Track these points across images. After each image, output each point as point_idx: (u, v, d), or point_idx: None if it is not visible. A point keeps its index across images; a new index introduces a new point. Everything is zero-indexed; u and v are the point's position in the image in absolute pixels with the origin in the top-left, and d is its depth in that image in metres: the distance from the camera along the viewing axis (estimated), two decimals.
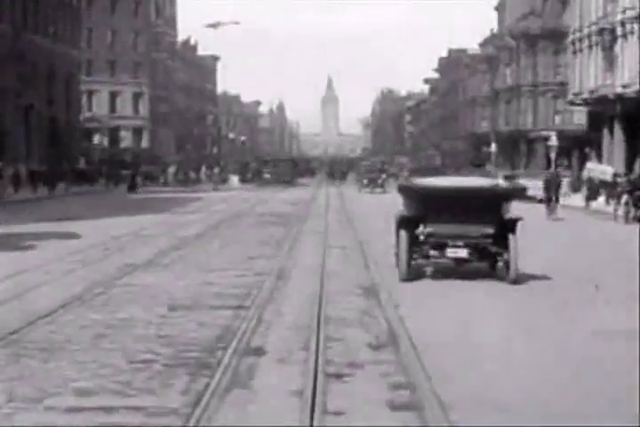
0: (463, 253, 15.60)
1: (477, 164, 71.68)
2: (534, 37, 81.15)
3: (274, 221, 29.63)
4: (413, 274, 15.57)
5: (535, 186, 46.20)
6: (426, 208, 15.80)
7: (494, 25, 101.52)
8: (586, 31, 61.65)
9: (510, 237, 15.33)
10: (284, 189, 60.42)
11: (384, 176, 60.47)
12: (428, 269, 16.29)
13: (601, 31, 58.05)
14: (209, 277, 15.56)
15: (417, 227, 15.76)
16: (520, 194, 20.36)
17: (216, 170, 67.92)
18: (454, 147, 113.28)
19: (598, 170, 46.24)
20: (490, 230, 15.55)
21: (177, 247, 20.62)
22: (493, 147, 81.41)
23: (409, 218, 15.95)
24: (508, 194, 16.58)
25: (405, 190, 17.03)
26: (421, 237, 15.73)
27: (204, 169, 75.40)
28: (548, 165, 71.38)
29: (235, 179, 72.72)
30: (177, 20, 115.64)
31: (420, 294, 13.89)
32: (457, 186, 16.38)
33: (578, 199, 43.53)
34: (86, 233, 24.06)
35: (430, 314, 12.08)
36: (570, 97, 65.30)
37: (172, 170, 69.38)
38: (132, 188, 56.00)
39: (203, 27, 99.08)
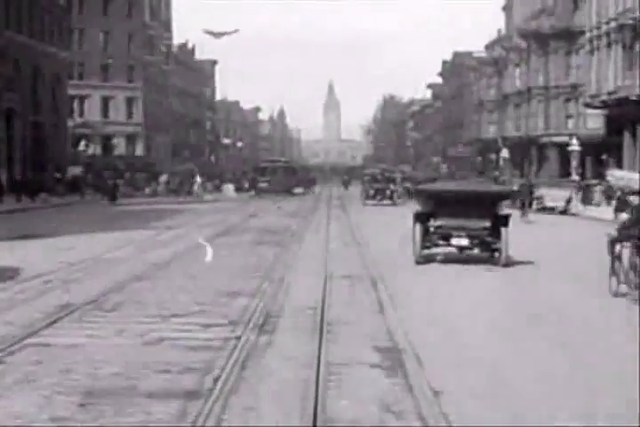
0: (465, 241, 19.13)
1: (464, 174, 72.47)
2: (545, 37, 76.96)
3: (266, 239, 25.29)
4: (426, 259, 19.23)
5: (559, 197, 42.01)
6: (435, 206, 19.56)
7: (497, 29, 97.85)
8: (604, 28, 57.58)
9: (502, 229, 18.92)
10: (282, 200, 55.94)
11: (393, 187, 52.94)
12: (438, 257, 19.82)
13: (621, 28, 54.04)
14: (164, 328, 11.28)
15: (428, 221, 19.39)
16: (511, 196, 25.71)
17: (198, 178, 59.54)
18: (460, 153, 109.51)
19: (627, 178, 41.92)
20: (486, 224, 19.10)
21: (139, 278, 16.32)
22: (505, 153, 76.96)
23: (422, 214, 19.63)
24: (501, 195, 21.03)
25: (419, 192, 21.41)
26: (432, 229, 19.35)
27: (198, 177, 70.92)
28: (563, 172, 67.22)
29: (230, 188, 68.08)
30: (172, 23, 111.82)
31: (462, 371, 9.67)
32: (460, 189, 20.43)
33: (605, 211, 39.32)
34: (38, 257, 19.80)
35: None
36: (587, 99, 61.04)
37: (163, 178, 64.65)
38: (114, 198, 51.38)
39: (201, 32, 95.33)
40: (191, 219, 35.48)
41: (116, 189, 53.53)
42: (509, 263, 18.70)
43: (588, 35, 60.89)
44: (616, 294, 14.37)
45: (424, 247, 19.16)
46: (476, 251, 19.25)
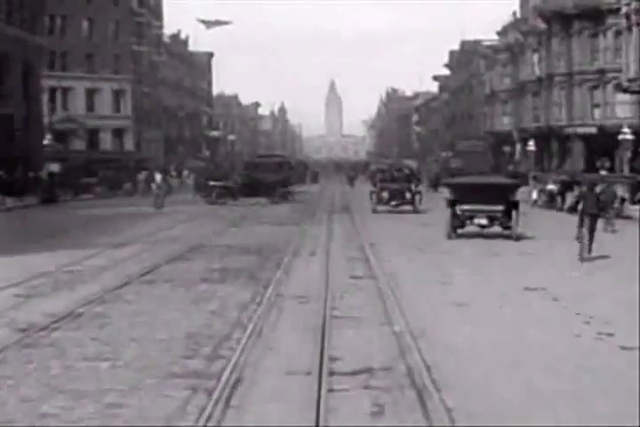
0: (485, 221, 26.35)
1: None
2: (568, 18, 70.41)
3: (239, 267, 17.99)
4: (454, 237, 25.72)
5: None
6: (461, 194, 26.74)
7: (512, 12, 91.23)
8: None
9: (513, 211, 26.13)
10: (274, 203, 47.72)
11: (414, 187, 41.87)
12: (462, 232, 26.18)
13: None
14: None
15: (456, 206, 26.34)
16: (518, 187, 29.19)
17: (158, 176, 47.33)
18: (472, 148, 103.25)
19: None
20: (501, 208, 26.21)
21: None
22: (531, 145, 69.97)
23: (451, 201, 26.60)
24: (512, 186, 28.34)
25: (449, 184, 29.03)
26: (459, 213, 26.33)
27: (186, 173, 64.05)
28: (589, 167, 60.77)
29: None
30: (163, 10, 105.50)
31: None
32: (480, 181, 29.53)
33: None
34: None
35: None
36: (624, 83, 53.93)
37: (142, 176, 57.29)
38: (49, 200, 42.51)
39: (196, 22, 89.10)
40: (152, 229, 27.77)
41: (52, 189, 44.47)
42: (521, 237, 25.25)
43: (624, 9, 53.86)
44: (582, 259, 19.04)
45: (453, 226, 25.97)
46: (493, 228, 25.92)
